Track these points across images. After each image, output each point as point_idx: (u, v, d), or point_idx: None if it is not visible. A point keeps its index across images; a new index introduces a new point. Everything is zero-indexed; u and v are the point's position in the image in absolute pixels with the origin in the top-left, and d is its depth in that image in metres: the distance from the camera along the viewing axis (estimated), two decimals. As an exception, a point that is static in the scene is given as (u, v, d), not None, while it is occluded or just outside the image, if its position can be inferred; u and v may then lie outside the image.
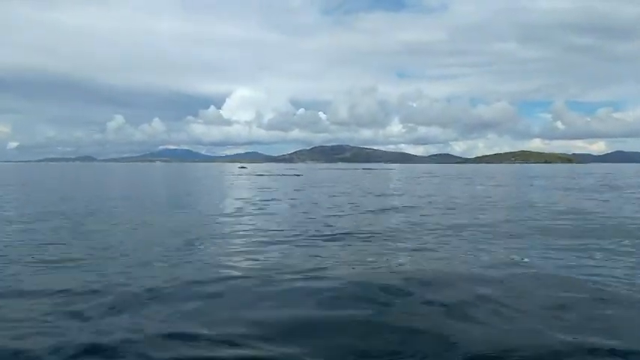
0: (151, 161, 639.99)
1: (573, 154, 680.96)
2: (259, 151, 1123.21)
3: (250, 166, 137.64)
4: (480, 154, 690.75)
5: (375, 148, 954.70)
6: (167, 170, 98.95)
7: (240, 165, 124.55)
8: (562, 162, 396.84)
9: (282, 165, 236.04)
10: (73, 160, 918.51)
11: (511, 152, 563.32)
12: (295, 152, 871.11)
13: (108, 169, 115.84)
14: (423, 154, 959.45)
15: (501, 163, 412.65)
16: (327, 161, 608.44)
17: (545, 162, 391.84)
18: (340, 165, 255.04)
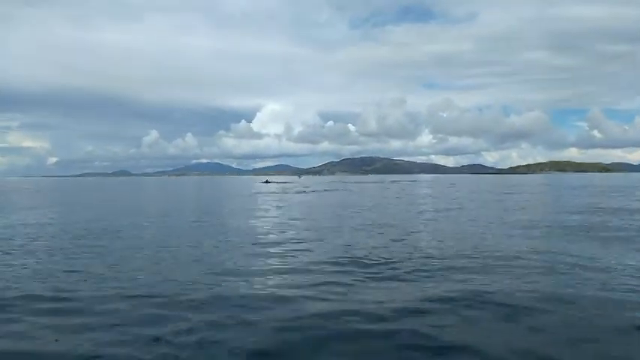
0: (183, 175, 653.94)
1: (611, 163, 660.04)
2: (289, 164, 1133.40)
3: (284, 179, 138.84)
4: (513, 165, 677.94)
5: (405, 159, 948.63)
6: (223, 186, 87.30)
7: (264, 179, 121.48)
8: (599, 172, 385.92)
9: (316, 178, 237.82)
10: (110, 174, 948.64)
11: (546, 162, 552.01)
12: (325, 164, 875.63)
13: (157, 183, 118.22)
14: (455, 165, 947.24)
15: (535, 173, 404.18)
16: (356, 173, 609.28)
17: (582, 172, 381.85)
18: (371, 177, 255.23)
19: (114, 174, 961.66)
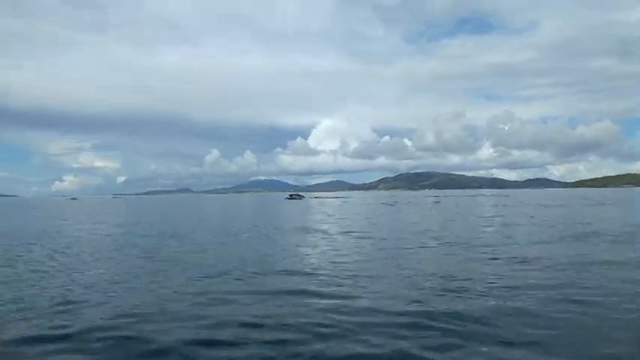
0: (242, 192, 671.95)
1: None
2: (344, 180, 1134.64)
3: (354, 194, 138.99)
4: (581, 178, 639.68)
5: (463, 173, 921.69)
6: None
7: (290, 194, 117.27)
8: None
9: (374, 194, 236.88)
10: (174, 192, 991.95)
11: (615, 175, 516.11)
12: (381, 179, 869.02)
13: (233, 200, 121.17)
14: (517, 179, 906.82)
15: (605, 187, 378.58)
16: (412, 188, 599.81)
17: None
18: (431, 192, 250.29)
19: (177, 191, 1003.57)
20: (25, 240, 22.73)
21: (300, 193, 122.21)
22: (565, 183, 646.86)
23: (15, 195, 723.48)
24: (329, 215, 42.08)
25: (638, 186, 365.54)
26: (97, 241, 22.09)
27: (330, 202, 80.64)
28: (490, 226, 27.22)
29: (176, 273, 13.12)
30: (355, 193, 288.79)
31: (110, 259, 16.22)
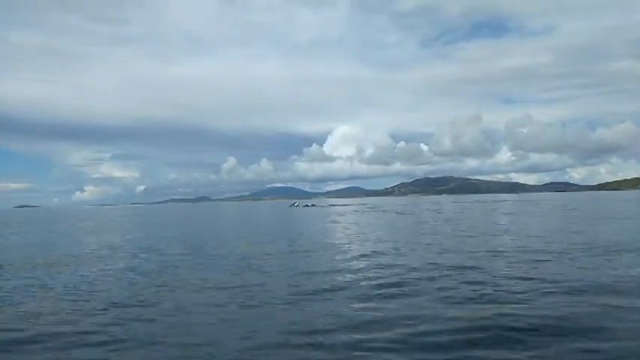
0: (259, 199, 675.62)
1: None
2: (360, 186, 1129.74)
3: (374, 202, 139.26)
4: (602, 181, 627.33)
5: (481, 178, 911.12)
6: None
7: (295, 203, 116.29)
8: None
9: (389, 200, 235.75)
10: (193, 200, 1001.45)
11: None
12: (397, 185, 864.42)
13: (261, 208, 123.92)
14: (536, 183, 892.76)
15: (627, 189, 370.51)
16: (429, 193, 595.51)
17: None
18: (444, 197, 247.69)
19: (196, 200, 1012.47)
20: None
21: (308, 203, 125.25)
22: (586, 186, 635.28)
23: (38, 205, 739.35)
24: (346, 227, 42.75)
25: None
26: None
27: (341, 209, 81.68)
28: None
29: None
30: (370, 199, 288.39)
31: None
